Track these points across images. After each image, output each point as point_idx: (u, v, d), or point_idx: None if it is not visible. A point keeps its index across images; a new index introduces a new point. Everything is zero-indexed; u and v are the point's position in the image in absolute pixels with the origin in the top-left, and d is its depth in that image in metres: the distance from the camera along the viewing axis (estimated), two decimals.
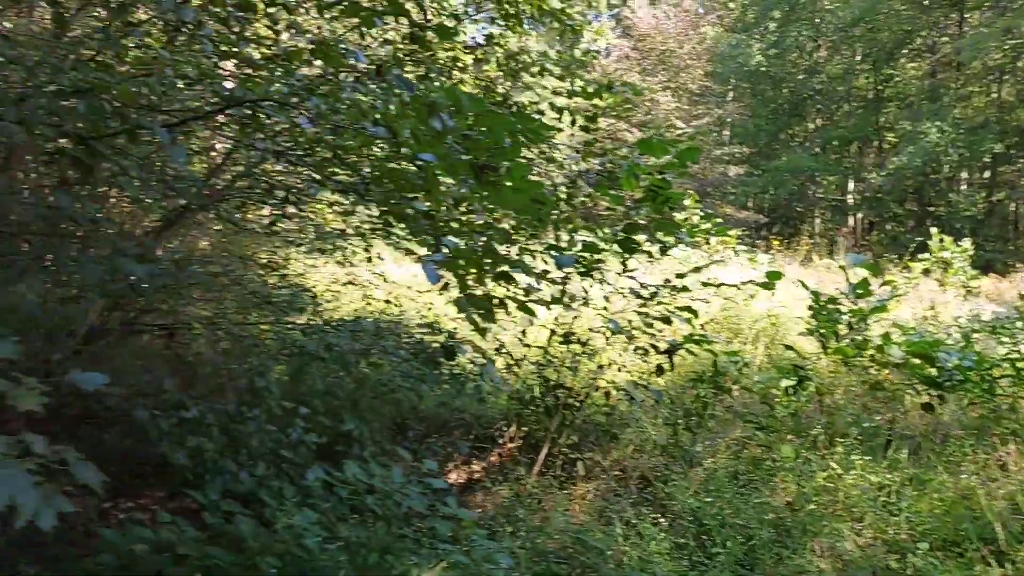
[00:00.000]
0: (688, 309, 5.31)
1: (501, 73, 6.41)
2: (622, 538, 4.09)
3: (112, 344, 4.79)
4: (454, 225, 2.70)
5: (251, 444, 3.94)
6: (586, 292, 5.36)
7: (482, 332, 2.68)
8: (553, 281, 4.50)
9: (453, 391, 5.28)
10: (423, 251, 4.94)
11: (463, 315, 2.73)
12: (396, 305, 6.84)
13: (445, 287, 3.18)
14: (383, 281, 6.87)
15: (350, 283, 6.63)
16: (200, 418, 3.83)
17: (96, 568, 3.44)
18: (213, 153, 6.00)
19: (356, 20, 3.20)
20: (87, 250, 3.28)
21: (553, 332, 5.58)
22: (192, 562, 3.33)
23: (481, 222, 2.90)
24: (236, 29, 4.01)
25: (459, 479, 5.29)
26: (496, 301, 2.57)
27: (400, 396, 5.13)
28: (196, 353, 5.05)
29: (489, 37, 6.15)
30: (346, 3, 2.41)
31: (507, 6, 6.02)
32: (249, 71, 3.41)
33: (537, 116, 5.64)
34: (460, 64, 6.35)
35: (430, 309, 6.97)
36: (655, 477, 5.07)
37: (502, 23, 6.13)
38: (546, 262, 4.10)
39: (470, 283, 2.47)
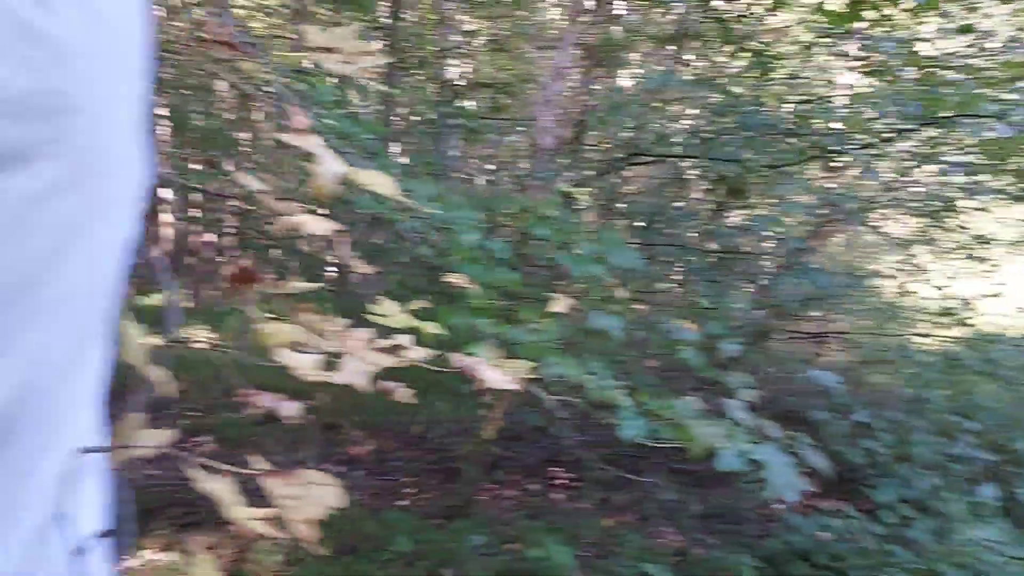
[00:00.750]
0: None
1: None
2: None
3: (761, 348, 5.31)
4: None
5: (917, 453, 3.99)
6: None
7: None
8: None
9: None
10: None
11: None
12: None
13: None
14: None
15: (995, 295, 6.12)
16: (868, 423, 4.03)
17: (780, 546, 3.89)
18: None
19: None
20: (777, 266, 3.76)
21: None
22: (872, 556, 3.55)
23: None
24: None
25: None
26: None
27: None
28: (851, 360, 5.29)
29: None
30: None
31: None
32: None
33: None
34: None
35: None
36: None
37: None
38: None
39: None
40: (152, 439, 0.82)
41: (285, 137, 1.14)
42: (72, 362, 0.38)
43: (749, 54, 4.28)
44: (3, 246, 0.30)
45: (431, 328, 1.52)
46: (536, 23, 8.21)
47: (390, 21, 6.83)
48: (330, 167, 1.10)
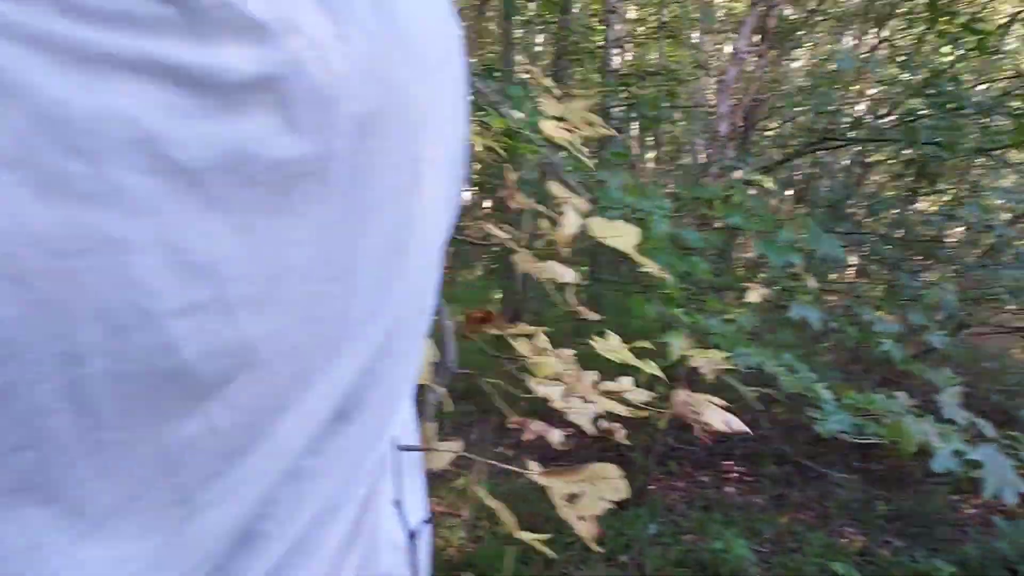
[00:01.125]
0: None
1: None
2: None
3: (960, 341, 4.93)
4: None
5: None
6: None
7: None
8: None
9: None
10: None
11: None
12: None
13: None
14: None
15: None
16: None
17: (977, 551, 3.65)
18: None
19: None
20: (997, 254, 3.51)
21: None
22: None
23: None
24: None
25: None
26: None
27: None
28: None
29: None
30: None
31: None
32: None
33: None
34: None
35: None
36: None
37: None
38: None
39: None
40: (446, 448, 0.89)
41: (508, 201, 1.20)
42: (403, 354, 0.41)
43: (947, 30, 4.00)
44: (361, 252, 0.33)
45: (650, 368, 1.47)
46: (704, 8, 8.03)
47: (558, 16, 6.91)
48: (572, 220, 1.15)
